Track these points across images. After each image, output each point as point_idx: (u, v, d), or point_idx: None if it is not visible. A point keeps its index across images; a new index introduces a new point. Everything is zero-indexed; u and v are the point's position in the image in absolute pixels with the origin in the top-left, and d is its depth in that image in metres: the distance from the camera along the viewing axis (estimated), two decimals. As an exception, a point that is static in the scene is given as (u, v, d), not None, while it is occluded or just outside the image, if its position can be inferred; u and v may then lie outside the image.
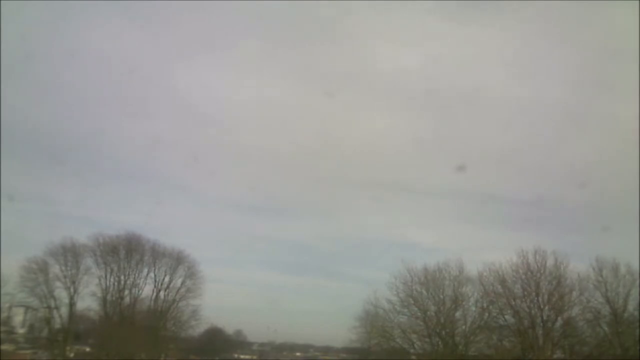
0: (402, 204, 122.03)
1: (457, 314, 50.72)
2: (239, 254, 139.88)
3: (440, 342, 50.39)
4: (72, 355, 61.06)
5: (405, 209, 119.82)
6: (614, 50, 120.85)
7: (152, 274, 61.49)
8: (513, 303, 47.38)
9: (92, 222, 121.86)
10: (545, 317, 46.33)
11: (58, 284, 57.74)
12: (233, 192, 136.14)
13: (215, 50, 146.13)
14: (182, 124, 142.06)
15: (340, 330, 69.22)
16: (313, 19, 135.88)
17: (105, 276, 59.64)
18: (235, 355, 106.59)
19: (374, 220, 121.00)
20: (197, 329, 68.87)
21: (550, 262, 46.92)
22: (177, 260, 62.19)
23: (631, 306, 45.74)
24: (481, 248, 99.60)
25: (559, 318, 46.73)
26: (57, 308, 58.11)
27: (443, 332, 50.36)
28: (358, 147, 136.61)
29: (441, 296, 50.78)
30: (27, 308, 63.42)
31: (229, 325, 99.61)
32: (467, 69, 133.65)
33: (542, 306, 46.41)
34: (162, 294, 61.82)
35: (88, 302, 59.70)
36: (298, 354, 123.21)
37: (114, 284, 59.97)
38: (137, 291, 61.30)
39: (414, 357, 53.58)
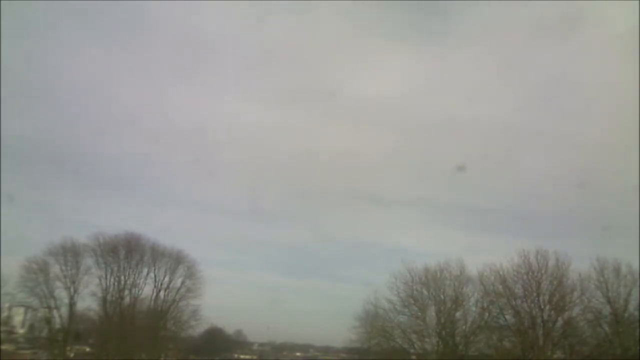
0: (394, 210, 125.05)
1: (458, 314, 50.74)
2: (239, 257, 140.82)
3: (440, 342, 50.37)
4: (72, 355, 60.96)
5: (400, 215, 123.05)
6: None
7: (152, 274, 61.29)
8: (514, 303, 47.37)
9: (91, 227, 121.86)
10: (545, 317, 46.30)
11: (58, 284, 57.58)
12: (234, 199, 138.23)
13: (207, 72, 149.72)
14: (182, 134, 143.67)
15: (340, 330, 69.37)
16: (291, 48, 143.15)
17: (105, 276, 59.47)
18: (235, 355, 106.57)
19: (368, 226, 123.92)
20: (197, 329, 68.76)
21: (551, 262, 47.00)
22: (177, 260, 62.08)
23: (632, 306, 45.72)
24: (480, 251, 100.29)
25: (560, 318, 46.70)
26: (57, 308, 57.99)
27: (443, 332, 50.32)
28: (346, 160, 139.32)
29: (442, 296, 50.78)
30: (27, 308, 63.48)
31: (229, 325, 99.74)
32: (432, 94, 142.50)
33: (542, 306, 46.40)
34: (162, 294, 61.67)
35: (88, 302, 59.55)
36: (298, 354, 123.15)
37: (114, 284, 59.80)
38: (137, 291, 61.10)
39: (414, 357, 53.49)
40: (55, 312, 58.04)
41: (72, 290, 57.85)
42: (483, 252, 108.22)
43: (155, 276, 61.40)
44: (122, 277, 60.12)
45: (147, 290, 61.39)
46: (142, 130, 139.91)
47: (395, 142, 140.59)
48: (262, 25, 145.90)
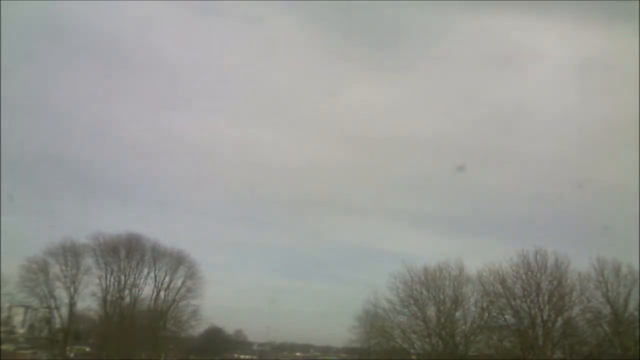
0: (391, 217, 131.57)
1: (457, 314, 50.78)
2: (239, 259, 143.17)
3: (440, 342, 50.37)
4: (72, 355, 61.02)
5: (397, 221, 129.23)
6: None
7: (152, 274, 61.37)
8: (513, 303, 47.33)
9: (90, 230, 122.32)
10: (545, 317, 46.28)
11: (58, 284, 57.68)
12: (234, 205, 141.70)
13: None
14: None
15: (340, 330, 69.66)
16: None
17: (106, 276, 59.53)
18: (235, 355, 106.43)
19: (367, 231, 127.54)
20: (197, 329, 68.80)
21: (551, 262, 46.95)
22: (178, 260, 62.11)
23: (632, 306, 45.69)
24: (480, 253, 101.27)
25: (559, 318, 46.68)
26: (57, 308, 58.06)
27: (443, 332, 50.34)
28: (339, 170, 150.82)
29: (441, 296, 50.78)
30: (27, 308, 63.48)
31: (229, 325, 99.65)
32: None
33: (542, 306, 46.37)
34: (162, 294, 61.74)
35: (88, 302, 59.63)
36: (298, 354, 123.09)
37: (114, 284, 59.85)
38: (137, 291, 61.16)
39: (414, 357, 53.52)
40: (55, 312, 58.23)
41: (72, 290, 57.96)
42: (482, 253, 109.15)
43: (155, 276, 61.57)
44: (122, 277, 60.20)
45: (147, 290, 61.56)
46: (142, 141, 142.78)
47: (384, 154, 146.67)
48: (240, 51, 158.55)
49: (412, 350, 52.98)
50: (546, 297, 46.37)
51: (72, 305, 58.22)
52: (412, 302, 51.43)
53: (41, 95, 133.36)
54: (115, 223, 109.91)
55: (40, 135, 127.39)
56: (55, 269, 57.45)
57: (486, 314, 49.19)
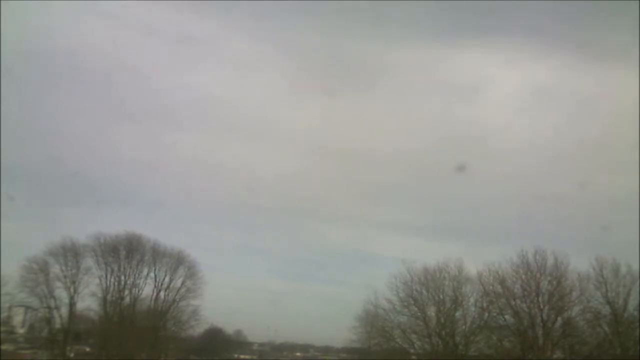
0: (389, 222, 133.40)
1: (457, 314, 50.81)
2: (241, 261, 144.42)
3: (440, 342, 50.40)
4: (72, 355, 61.01)
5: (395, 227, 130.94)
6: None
7: (152, 274, 61.38)
8: (513, 303, 47.41)
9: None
10: (545, 317, 46.35)
11: (58, 284, 57.67)
12: (235, 209, 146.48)
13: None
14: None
15: (340, 330, 69.95)
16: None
17: (106, 276, 59.54)
18: (235, 355, 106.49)
19: (367, 236, 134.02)
20: (197, 329, 69.03)
21: (550, 262, 47.00)
22: (178, 260, 62.14)
23: (631, 306, 45.72)
24: (479, 253, 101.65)
25: (559, 318, 46.75)
26: (57, 308, 58.05)
27: (443, 332, 50.37)
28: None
29: (441, 296, 50.84)
30: (27, 308, 63.36)
31: (229, 325, 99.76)
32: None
33: (542, 306, 46.43)
34: (162, 294, 61.74)
35: (88, 302, 59.60)
36: (298, 354, 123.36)
37: (114, 284, 59.87)
38: (137, 291, 61.18)
39: (414, 357, 53.59)
40: (55, 312, 58.19)
41: (72, 290, 57.96)
42: (482, 255, 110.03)
43: (155, 276, 61.58)
44: (123, 277, 60.22)
45: (147, 290, 61.57)
46: (142, 150, 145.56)
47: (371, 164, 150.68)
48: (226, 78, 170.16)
49: (412, 350, 53.07)
50: (546, 297, 46.43)
51: (72, 305, 58.25)
52: (412, 302, 51.50)
53: (42, 98, 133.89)
54: (115, 225, 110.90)
55: (40, 138, 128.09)
56: (55, 269, 57.55)
57: (486, 314, 49.26)
